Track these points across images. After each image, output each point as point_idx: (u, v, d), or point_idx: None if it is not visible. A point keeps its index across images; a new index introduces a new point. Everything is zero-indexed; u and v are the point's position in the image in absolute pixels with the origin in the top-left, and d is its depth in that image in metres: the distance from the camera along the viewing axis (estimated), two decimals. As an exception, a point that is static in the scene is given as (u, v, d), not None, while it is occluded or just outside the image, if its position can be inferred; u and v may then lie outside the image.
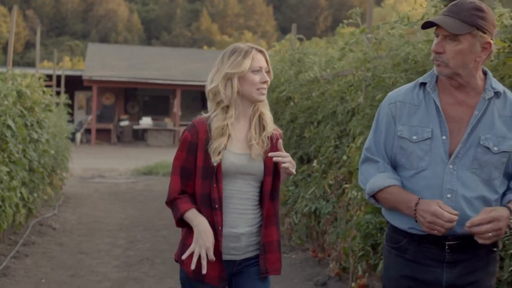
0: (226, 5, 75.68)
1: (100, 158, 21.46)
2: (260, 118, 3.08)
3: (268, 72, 3.05)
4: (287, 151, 7.96)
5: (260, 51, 3.04)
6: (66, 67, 39.41)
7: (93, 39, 62.30)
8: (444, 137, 2.63)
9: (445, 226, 2.51)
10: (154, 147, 27.70)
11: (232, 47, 3.07)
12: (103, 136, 29.51)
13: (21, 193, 7.11)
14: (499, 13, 3.59)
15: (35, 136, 7.90)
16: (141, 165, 18.11)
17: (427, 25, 2.68)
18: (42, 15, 66.12)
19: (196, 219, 2.89)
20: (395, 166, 2.78)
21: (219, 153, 2.94)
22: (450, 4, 2.65)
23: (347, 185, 5.53)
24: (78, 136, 27.79)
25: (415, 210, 2.59)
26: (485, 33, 2.57)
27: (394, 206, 2.72)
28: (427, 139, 2.66)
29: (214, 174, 2.93)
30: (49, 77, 15.10)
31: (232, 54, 3.02)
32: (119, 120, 30.55)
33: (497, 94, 2.64)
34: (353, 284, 5.73)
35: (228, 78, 2.99)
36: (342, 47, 5.38)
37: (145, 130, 29.67)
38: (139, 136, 30.59)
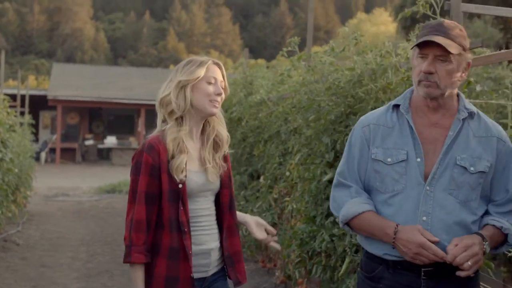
0: (193, 24, 76.27)
1: (65, 177, 21.72)
2: (216, 138, 3.02)
3: (223, 87, 2.97)
4: (239, 168, 8.47)
5: (217, 64, 2.98)
6: (32, 86, 39.54)
7: (59, 57, 62.32)
8: (419, 159, 2.58)
9: (430, 257, 2.48)
10: (118, 166, 27.98)
11: (188, 59, 3.01)
12: (68, 155, 29.72)
13: (-15, 209, 7.49)
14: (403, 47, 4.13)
15: (-1, 155, 8.28)
16: (104, 183, 18.44)
17: (422, 43, 2.57)
18: (7, 33, 65.99)
19: (139, 283, 2.84)
20: (369, 191, 2.71)
21: (182, 171, 2.85)
22: (436, 24, 2.60)
23: (287, 198, 6.04)
24: (43, 155, 28.00)
25: (394, 238, 2.53)
26: (467, 54, 2.61)
27: (370, 233, 2.65)
28: (402, 161, 2.60)
29: (180, 196, 2.85)
30: (14, 96, 15.45)
31: (187, 64, 2.95)
32: (84, 139, 30.82)
33: (471, 114, 2.62)
34: (295, 290, 6.23)
35: (181, 86, 2.89)
36: (281, 73, 5.91)
37: (109, 149, 29.96)
38: (104, 155, 30.85)
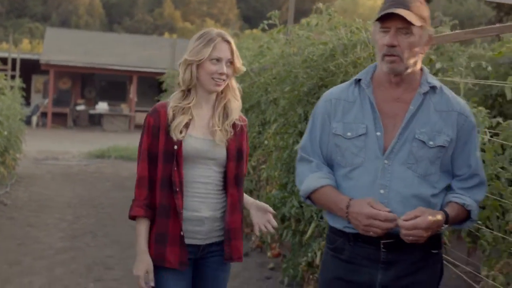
0: (190, -8, 75.79)
1: (55, 141, 21.89)
2: (226, 105, 3.08)
3: (231, 63, 3.02)
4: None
5: (227, 41, 3.01)
6: (26, 49, 39.50)
7: (53, 22, 61.93)
8: (378, 133, 2.57)
9: (382, 226, 2.46)
10: (109, 132, 28.16)
11: (203, 32, 3.05)
12: (59, 120, 29.84)
13: (-27, 169, 7.71)
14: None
15: (-13, 117, 8.49)
16: (94, 148, 18.64)
17: (383, 16, 2.54)
18: (1, -4, 65.54)
19: (139, 238, 2.99)
20: (331, 165, 2.71)
21: (181, 131, 2.97)
22: None
23: (263, 166, 6.29)
24: (34, 119, 28.13)
25: (347, 213, 2.54)
26: (428, 26, 2.58)
27: (327, 207, 2.68)
28: (361, 135, 2.60)
29: (175, 157, 2.96)
30: (4, 60, 15.58)
31: (198, 39, 3.01)
32: (76, 104, 30.91)
33: (433, 88, 2.60)
34: (269, 254, 6.51)
35: (187, 64, 3.00)
36: (260, 45, 6.11)
37: (101, 115, 30.08)
38: (95, 121, 30.99)
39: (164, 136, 2.98)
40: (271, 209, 3.19)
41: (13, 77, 15.64)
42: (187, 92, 3.05)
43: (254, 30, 8.10)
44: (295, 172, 5.19)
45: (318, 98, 4.93)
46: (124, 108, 30.03)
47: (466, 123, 2.59)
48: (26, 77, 21.24)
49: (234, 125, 3.09)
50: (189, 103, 3.03)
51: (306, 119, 5.12)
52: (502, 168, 3.31)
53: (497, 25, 3.00)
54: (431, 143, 2.54)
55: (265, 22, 6.16)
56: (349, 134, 2.62)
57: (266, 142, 6.46)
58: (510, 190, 3.15)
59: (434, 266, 2.63)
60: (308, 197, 2.74)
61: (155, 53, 30.45)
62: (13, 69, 16.50)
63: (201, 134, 3.03)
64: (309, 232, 4.80)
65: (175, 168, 2.96)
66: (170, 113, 3.00)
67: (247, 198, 3.23)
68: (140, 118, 32.12)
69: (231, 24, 13.64)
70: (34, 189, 11.57)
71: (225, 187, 3.08)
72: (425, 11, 2.55)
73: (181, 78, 3.03)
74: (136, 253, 3.00)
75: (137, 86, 30.27)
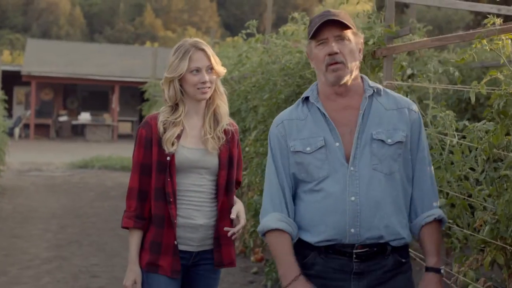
0: (170, 0, 75.87)
1: (38, 152, 21.89)
2: (215, 111, 3.12)
3: (211, 68, 3.05)
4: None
5: (201, 49, 3.04)
6: (7, 61, 39.35)
7: (34, 32, 61.73)
8: (337, 144, 2.58)
9: None
10: (92, 142, 28.17)
11: (179, 44, 3.09)
12: (42, 131, 29.81)
13: (-42, 182, 7.78)
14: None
15: (-29, 130, 8.56)
16: (77, 159, 18.68)
17: (318, 28, 2.59)
18: (-19, 8, 65.30)
19: (130, 248, 3.09)
20: (296, 184, 2.66)
21: (173, 143, 3.03)
22: (322, 12, 2.66)
23: (244, 173, 6.41)
24: (17, 131, 28.08)
25: (287, 285, 2.54)
26: (359, 31, 2.67)
27: (275, 256, 2.68)
28: (321, 147, 2.59)
29: (168, 168, 3.02)
30: (-13, 73, 15.61)
31: (174, 53, 3.06)
32: (58, 115, 30.90)
33: (377, 91, 2.65)
34: (252, 258, 6.64)
35: (169, 81, 3.06)
36: (239, 54, 6.25)
37: (83, 125, 30.09)
38: (78, 131, 31.00)
39: (157, 148, 3.04)
40: (233, 215, 3.13)
41: (-6, 89, 15.65)
42: (175, 106, 3.09)
43: (235, 38, 8.22)
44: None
45: (296, 105, 5.09)
46: (107, 118, 30.06)
47: (416, 117, 2.66)
48: (8, 89, 21.26)
49: (225, 131, 3.13)
50: (179, 116, 3.07)
51: (284, 125, 5.25)
52: (471, 169, 3.45)
53: (460, 33, 3.17)
54: (389, 140, 2.57)
55: (243, 31, 6.30)
56: (308, 149, 2.60)
57: (247, 149, 6.59)
58: (477, 189, 3.30)
59: (406, 273, 2.63)
60: (264, 234, 2.67)
61: (137, 62, 30.51)
62: (-5, 81, 16.50)
63: (193, 144, 3.09)
64: (290, 235, 4.93)
65: (169, 179, 3.02)
66: (160, 127, 3.05)
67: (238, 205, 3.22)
68: (123, 127, 32.19)
69: (211, 32, 13.77)
70: (18, 201, 11.62)
71: (216, 194, 3.12)
72: (350, 21, 2.61)
73: (166, 96, 3.08)
74: (128, 262, 3.10)
75: (119, 96, 30.32)
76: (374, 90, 2.64)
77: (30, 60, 30.05)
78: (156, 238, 3.06)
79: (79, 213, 10.37)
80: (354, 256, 2.55)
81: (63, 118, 30.61)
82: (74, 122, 30.45)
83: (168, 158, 3.02)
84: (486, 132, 3.07)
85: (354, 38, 2.60)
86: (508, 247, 3.01)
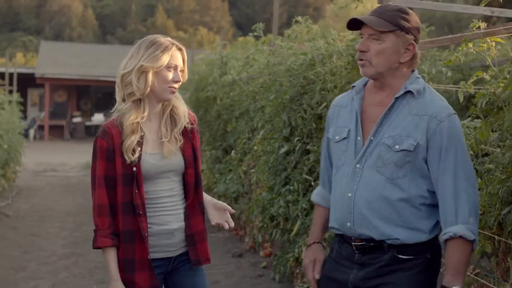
0: (182, 0, 75.99)
1: (53, 153, 22.22)
2: (172, 112, 3.00)
3: (182, 71, 2.98)
4: (214, 143, 9.05)
5: (180, 49, 2.97)
6: (20, 63, 39.72)
7: (47, 34, 62.13)
8: (358, 138, 2.65)
9: (309, 280, 2.86)
10: (106, 142, 28.43)
11: (153, 38, 2.96)
12: (56, 132, 30.18)
13: (-23, 182, 8.07)
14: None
15: (-11, 131, 8.85)
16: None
17: (352, 24, 2.67)
18: (-6, 10, 65.81)
19: (110, 267, 2.91)
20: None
21: (134, 151, 2.87)
22: (379, 6, 2.74)
23: (253, 170, 6.65)
24: (32, 132, 28.45)
25: (305, 250, 2.89)
26: (408, 34, 2.60)
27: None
28: (344, 139, 2.69)
29: (135, 179, 2.88)
30: (2, 75, 15.94)
31: (151, 46, 2.91)
32: (72, 116, 31.28)
33: (411, 93, 2.61)
34: (261, 253, 6.87)
35: (142, 71, 2.88)
36: (246, 56, 6.48)
37: (97, 126, 30.33)
38: (92, 132, 31.28)
39: (121, 158, 2.87)
40: (229, 208, 3.14)
41: (10, 91, 15.99)
42: (137, 102, 2.91)
43: (247, 38, 8.44)
44: (280, 174, 5.60)
45: (300, 105, 5.31)
46: (120, 118, 30.35)
47: (439, 128, 2.56)
48: (22, 91, 21.60)
49: (185, 130, 3.01)
50: (141, 118, 2.91)
51: (290, 124, 5.48)
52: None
53: (450, 36, 3.38)
54: (396, 147, 2.56)
55: (251, 34, 6.53)
56: (337, 137, 2.73)
57: (255, 147, 6.83)
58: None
59: (408, 271, 2.61)
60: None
61: (149, 63, 30.79)
62: (10, 83, 16.85)
63: (155, 149, 2.95)
64: (295, 229, 5.16)
65: (136, 190, 2.87)
66: (128, 130, 2.88)
67: (206, 197, 3.17)
68: (136, 128, 32.45)
69: (221, 34, 13.91)
70: (34, 200, 11.91)
71: (185, 193, 3.04)
72: (404, 19, 2.60)
73: (135, 87, 2.88)
74: (110, 281, 2.93)
75: (132, 97, 30.64)
76: (406, 91, 2.62)
77: (44, 62, 30.43)
78: (128, 256, 2.91)
79: (94, 212, 10.63)
80: (355, 247, 2.66)
81: (76, 119, 30.99)
82: (87, 123, 30.81)
83: (134, 169, 2.86)
84: (474, 128, 3.28)
85: (394, 39, 2.59)
86: (496, 237, 3.21)
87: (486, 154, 3.38)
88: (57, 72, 29.37)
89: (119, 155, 2.87)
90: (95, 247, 2.91)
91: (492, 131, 3.16)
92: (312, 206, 5.07)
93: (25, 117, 26.85)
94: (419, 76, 2.71)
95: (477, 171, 3.29)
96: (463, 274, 2.55)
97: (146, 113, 2.92)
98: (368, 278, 2.64)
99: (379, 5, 2.83)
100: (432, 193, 2.61)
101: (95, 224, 2.91)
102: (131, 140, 2.86)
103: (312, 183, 4.95)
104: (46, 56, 31.30)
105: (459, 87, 3.26)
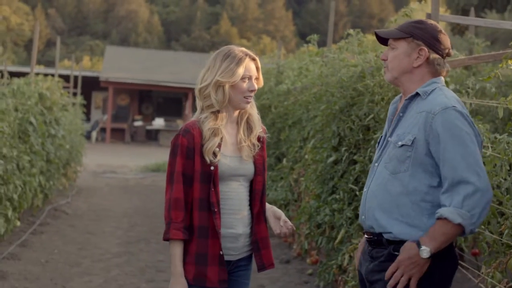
0: (246, 9, 76.52)
1: (113, 155, 22.79)
2: (248, 119, 3.15)
3: (257, 79, 3.11)
4: (268, 151, 9.23)
5: (253, 59, 3.10)
6: (86, 67, 40.83)
7: (113, 39, 63.41)
8: (389, 139, 2.86)
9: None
10: (165, 147, 28.94)
11: (227, 50, 3.09)
12: (118, 135, 30.90)
13: (39, 179, 8.43)
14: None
15: (52, 131, 9.24)
16: (150, 163, 19.39)
17: (379, 39, 2.96)
18: (64, 14, 67.51)
19: (175, 260, 2.99)
20: None
21: (214, 153, 3.01)
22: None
23: (302, 178, 6.77)
24: (94, 134, 29.21)
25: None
26: (418, 40, 2.81)
27: None
28: (380, 139, 2.97)
29: (212, 178, 3.01)
30: (67, 77, 16.48)
31: (226, 58, 3.05)
32: (133, 120, 31.96)
33: (419, 95, 2.81)
34: (308, 261, 6.97)
35: (219, 85, 3.02)
36: (300, 67, 6.62)
37: (157, 131, 31.01)
38: (152, 136, 31.95)
39: (200, 157, 3.01)
40: (284, 216, 3.20)
41: (74, 94, 16.52)
42: (216, 113, 3.07)
43: (309, 47, 8.60)
44: (328, 183, 5.71)
45: (349, 115, 5.42)
46: (180, 123, 30.82)
47: (434, 121, 2.70)
48: (86, 94, 22.21)
49: (258, 138, 3.17)
50: (222, 124, 3.07)
51: (339, 135, 5.58)
52: (504, 178, 3.70)
53: (492, 53, 3.45)
54: (399, 143, 2.76)
55: (305, 45, 6.67)
56: (381, 137, 3.00)
57: (306, 156, 6.95)
58: (507, 197, 3.55)
59: None
60: None
61: (210, 70, 31.24)
62: (75, 86, 17.39)
63: (231, 152, 3.10)
64: (339, 237, 5.25)
65: (213, 188, 3.01)
66: (207, 134, 3.03)
67: (267, 206, 3.28)
68: (195, 133, 32.90)
69: (279, 44, 14.03)
70: (93, 200, 12.29)
71: (251, 200, 3.16)
72: (417, 28, 2.82)
73: (214, 100, 3.04)
74: (172, 275, 3.02)
75: (192, 102, 31.09)
76: (416, 94, 2.82)
77: (108, 66, 31.22)
78: (202, 250, 3.02)
79: (149, 214, 10.92)
80: (366, 240, 2.91)
81: (138, 123, 31.65)
82: (148, 127, 31.42)
83: (212, 168, 3.01)
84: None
85: (405, 46, 2.82)
86: (530, 251, 3.27)
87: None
88: (120, 76, 30.10)
89: (198, 154, 3.02)
90: (166, 238, 3.01)
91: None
92: (356, 215, 5.16)
93: (88, 119, 27.60)
94: (438, 81, 2.86)
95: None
96: (438, 242, 2.66)
97: (224, 121, 3.08)
98: (373, 271, 2.83)
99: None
100: (434, 188, 2.74)
101: (168, 217, 3.01)
102: (213, 143, 3.02)
103: (357, 193, 5.04)
104: (111, 60, 32.10)
105: (499, 103, 3.33)
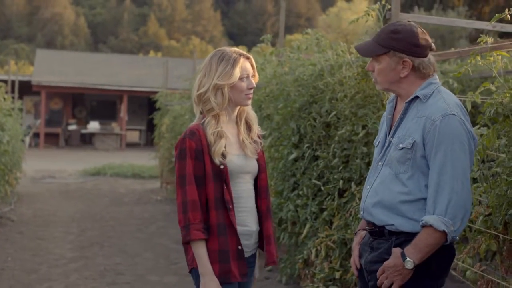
0: (174, 10, 76.14)
1: (50, 160, 22.38)
2: (246, 118, 3.21)
3: (253, 76, 3.17)
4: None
5: (247, 58, 3.15)
6: (13, 71, 39.84)
7: (38, 42, 62.18)
8: (391, 139, 2.94)
9: (352, 261, 3.12)
10: (101, 150, 28.66)
11: (220, 53, 3.12)
12: (52, 140, 30.33)
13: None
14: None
15: (-3, 137, 9.05)
16: (89, 167, 19.16)
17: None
18: (-14, 18, 65.86)
19: (202, 260, 3.03)
20: None
21: (223, 154, 3.06)
22: (381, 28, 3.02)
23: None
24: (27, 139, 28.55)
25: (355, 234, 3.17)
26: (401, 52, 2.85)
27: None
28: (379, 142, 3.06)
29: (224, 176, 3.06)
30: (5, 82, 16.12)
31: (221, 61, 3.08)
32: (67, 124, 31.44)
33: (418, 98, 2.88)
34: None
35: (218, 88, 3.06)
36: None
37: (92, 134, 30.59)
38: (87, 140, 31.50)
39: (209, 157, 3.06)
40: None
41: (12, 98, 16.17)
42: (216, 116, 3.12)
43: (239, 47, 8.63)
44: (289, 180, 5.83)
45: (309, 113, 5.56)
46: (115, 126, 30.56)
47: (432, 127, 2.78)
48: (18, 98, 21.70)
49: (257, 136, 3.25)
50: (223, 126, 3.12)
51: (298, 132, 5.72)
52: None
53: (458, 49, 3.63)
54: (400, 145, 2.85)
55: (258, 45, 6.77)
56: (377, 143, 3.09)
57: (261, 154, 7.06)
58: (474, 186, 3.73)
59: None
60: None
61: (144, 72, 31.07)
62: (12, 91, 17.04)
63: (236, 151, 3.14)
64: (305, 232, 5.39)
65: (225, 186, 3.06)
66: (211, 139, 3.07)
67: None
68: (131, 136, 32.67)
69: (211, 42, 14.07)
70: (36, 206, 12.09)
71: (257, 197, 3.22)
72: (394, 40, 2.86)
73: (214, 103, 3.08)
74: (201, 275, 3.04)
75: (127, 105, 30.85)
76: (414, 97, 2.89)
77: (40, 70, 30.60)
78: (224, 247, 3.06)
79: (97, 218, 10.83)
80: (368, 231, 3.01)
81: (72, 127, 31.14)
82: (83, 131, 30.96)
83: (222, 167, 3.06)
84: (481, 135, 3.53)
85: (388, 60, 2.89)
86: (500, 236, 3.46)
87: (491, 160, 3.63)
88: (53, 80, 29.56)
89: (208, 155, 3.06)
90: (187, 240, 3.04)
91: (498, 137, 3.42)
92: (321, 210, 5.31)
93: (20, 125, 26.99)
94: (434, 81, 2.94)
95: (483, 175, 3.55)
96: (423, 253, 2.76)
97: (225, 123, 3.14)
98: (373, 262, 2.92)
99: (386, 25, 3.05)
100: None
101: (184, 219, 3.04)
102: (220, 145, 3.07)
103: (322, 188, 5.18)
104: (42, 64, 31.48)
105: (467, 97, 3.51)
